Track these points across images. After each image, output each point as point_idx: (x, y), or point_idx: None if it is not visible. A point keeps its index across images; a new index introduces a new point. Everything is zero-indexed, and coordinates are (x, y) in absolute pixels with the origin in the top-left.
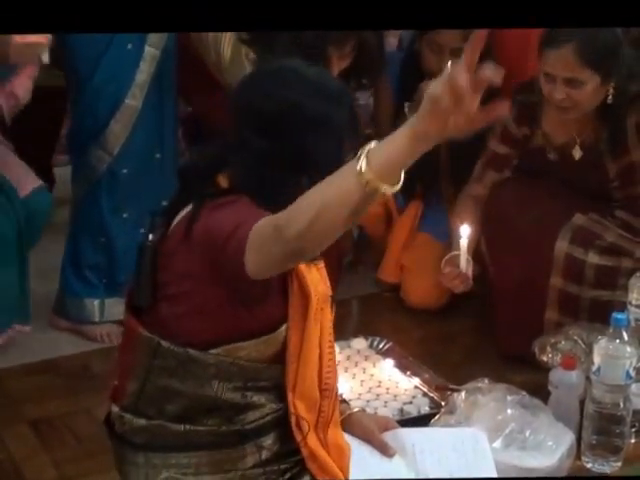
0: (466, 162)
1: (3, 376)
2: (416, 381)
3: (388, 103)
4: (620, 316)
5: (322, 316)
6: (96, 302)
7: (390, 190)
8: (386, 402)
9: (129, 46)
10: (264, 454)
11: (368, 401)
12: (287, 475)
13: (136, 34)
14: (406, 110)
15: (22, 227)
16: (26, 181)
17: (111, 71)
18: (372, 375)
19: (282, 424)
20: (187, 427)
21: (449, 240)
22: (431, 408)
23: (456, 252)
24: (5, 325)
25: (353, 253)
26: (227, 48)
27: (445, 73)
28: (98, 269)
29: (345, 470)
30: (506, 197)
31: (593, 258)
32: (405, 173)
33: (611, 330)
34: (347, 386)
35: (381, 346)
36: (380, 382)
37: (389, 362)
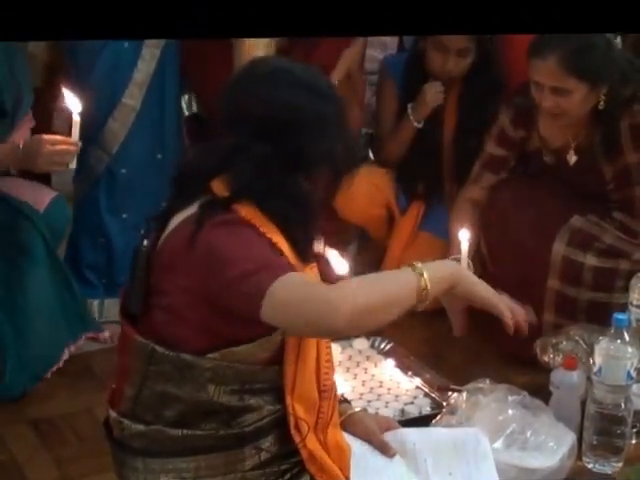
0: (469, 162)
1: None
2: (417, 381)
3: (391, 104)
4: (621, 316)
5: None
6: (96, 302)
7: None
8: (387, 402)
9: (125, 45)
10: (263, 456)
11: (369, 401)
12: (287, 476)
13: None
14: (409, 111)
15: (49, 241)
16: (42, 195)
17: (108, 70)
18: (373, 375)
19: (280, 425)
20: (185, 432)
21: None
22: (432, 408)
23: (455, 256)
24: (75, 337)
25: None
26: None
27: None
28: (98, 269)
29: (345, 470)
30: (505, 199)
31: (591, 260)
32: (407, 173)
33: (612, 331)
34: (349, 386)
35: (382, 346)
36: (381, 382)
37: (390, 362)
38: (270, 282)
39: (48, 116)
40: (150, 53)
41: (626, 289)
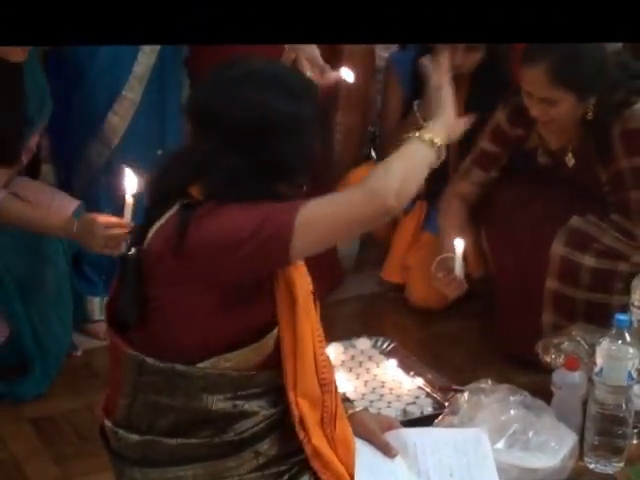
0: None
1: None
2: (419, 381)
3: (396, 101)
4: (622, 317)
5: (309, 311)
6: (96, 300)
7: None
8: (389, 402)
9: None
10: (261, 459)
11: (372, 401)
12: (285, 476)
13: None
14: (415, 108)
15: (67, 251)
16: (65, 206)
17: (108, 62)
18: (376, 375)
19: (277, 428)
20: (180, 441)
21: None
22: (434, 408)
23: (447, 255)
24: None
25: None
26: None
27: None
28: (99, 267)
29: (350, 467)
30: (506, 199)
31: (589, 261)
32: None
33: (613, 331)
34: (351, 386)
35: (385, 346)
36: (384, 382)
37: (393, 362)
38: (294, 214)
39: None
40: (151, 46)
41: (625, 291)
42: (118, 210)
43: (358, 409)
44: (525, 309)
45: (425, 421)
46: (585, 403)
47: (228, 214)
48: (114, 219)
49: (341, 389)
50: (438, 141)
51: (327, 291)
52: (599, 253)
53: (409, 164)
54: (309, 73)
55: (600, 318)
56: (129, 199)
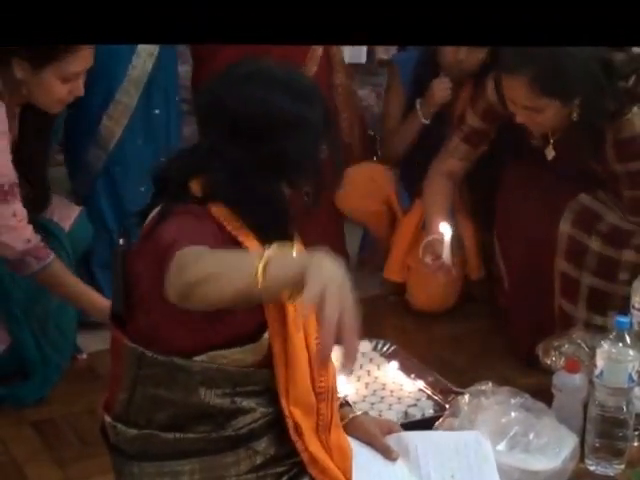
0: (476, 162)
1: None
2: (420, 384)
3: (398, 101)
4: (623, 319)
5: (305, 321)
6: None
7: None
8: (390, 405)
9: None
10: (258, 459)
11: (372, 404)
12: (284, 478)
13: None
14: (417, 107)
15: (71, 258)
16: (67, 213)
17: (102, 65)
18: (376, 378)
19: (275, 427)
20: (177, 435)
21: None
22: (435, 411)
23: (434, 238)
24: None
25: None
26: None
27: None
28: (108, 268)
29: (347, 473)
30: (511, 180)
31: (595, 244)
32: (412, 171)
33: (614, 333)
34: (352, 388)
35: (385, 349)
36: (384, 385)
37: (393, 365)
38: (172, 258)
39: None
40: (146, 50)
41: (629, 282)
42: (119, 214)
43: (358, 413)
44: (537, 298)
45: (426, 423)
46: (586, 405)
47: (176, 221)
48: None
49: (342, 392)
50: (267, 270)
51: None
52: (604, 236)
53: (226, 269)
54: None
55: (601, 306)
56: None
